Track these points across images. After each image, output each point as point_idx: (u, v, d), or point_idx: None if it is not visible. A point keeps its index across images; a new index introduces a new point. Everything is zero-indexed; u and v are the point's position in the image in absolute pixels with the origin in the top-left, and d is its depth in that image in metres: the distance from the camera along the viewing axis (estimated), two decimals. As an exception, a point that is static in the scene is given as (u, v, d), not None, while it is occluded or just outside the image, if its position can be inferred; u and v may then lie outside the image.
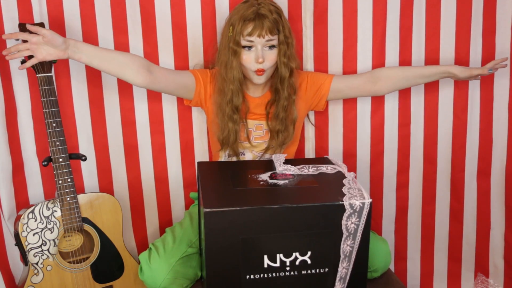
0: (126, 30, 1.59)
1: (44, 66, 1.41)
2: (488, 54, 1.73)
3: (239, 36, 1.41)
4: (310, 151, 1.78)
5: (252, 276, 1.18)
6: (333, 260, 1.19)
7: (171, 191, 1.76)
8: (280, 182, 1.26)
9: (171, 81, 1.47)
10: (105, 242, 1.55)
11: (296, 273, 1.19)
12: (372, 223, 1.84)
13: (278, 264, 1.18)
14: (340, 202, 1.14)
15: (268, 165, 1.40)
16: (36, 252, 1.46)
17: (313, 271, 1.19)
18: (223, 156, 1.57)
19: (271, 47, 1.43)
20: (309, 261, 1.18)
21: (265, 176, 1.29)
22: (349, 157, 1.78)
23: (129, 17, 1.58)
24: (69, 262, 1.51)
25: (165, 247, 1.42)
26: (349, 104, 1.73)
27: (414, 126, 1.79)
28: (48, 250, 1.48)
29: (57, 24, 1.54)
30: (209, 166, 1.41)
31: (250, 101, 1.55)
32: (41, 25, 1.43)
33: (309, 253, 1.18)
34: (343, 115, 1.75)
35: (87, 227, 1.52)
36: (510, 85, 1.77)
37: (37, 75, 1.40)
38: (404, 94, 1.75)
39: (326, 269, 1.20)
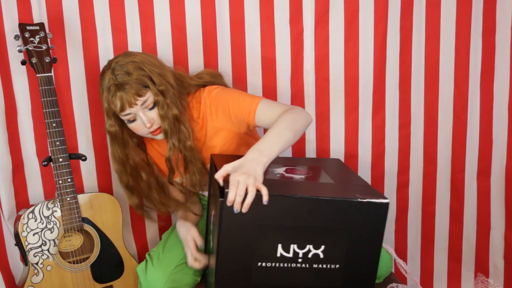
0: (125, 31, 1.59)
1: (44, 66, 1.41)
2: (488, 54, 1.73)
3: (116, 116, 1.34)
4: (311, 153, 1.78)
5: (263, 264, 1.17)
6: (345, 257, 1.19)
7: (170, 191, 1.76)
8: (297, 176, 1.26)
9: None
10: (105, 242, 1.55)
11: (307, 265, 1.19)
12: (372, 223, 1.84)
13: (291, 255, 1.17)
14: (359, 200, 1.14)
15: (282, 161, 1.41)
16: (36, 252, 1.46)
17: (324, 265, 1.19)
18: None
19: (151, 108, 1.32)
20: (321, 255, 1.18)
21: (280, 170, 1.30)
22: (351, 158, 1.78)
23: (128, 18, 1.58)
24: (69, 262, 1.51)
25: (160, 256, 1.41)
26: (351, 105, 1.73)
27: (414, 126, 1.79)
28: (48, 250, 1.48)
29: (57, 24, 1.54)
30: (224, 157, 1.40)
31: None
32: (41, 25, 1.43)
33: (322, 247, 1.17)
34: (345, 117, 1.74)
35: (87, 227, 1.52)
36: (510, 85, 1.76)
37: (37, 75, 1.40)
38: (404, 94, 1.75)
39: (337, 266, 1.19)
